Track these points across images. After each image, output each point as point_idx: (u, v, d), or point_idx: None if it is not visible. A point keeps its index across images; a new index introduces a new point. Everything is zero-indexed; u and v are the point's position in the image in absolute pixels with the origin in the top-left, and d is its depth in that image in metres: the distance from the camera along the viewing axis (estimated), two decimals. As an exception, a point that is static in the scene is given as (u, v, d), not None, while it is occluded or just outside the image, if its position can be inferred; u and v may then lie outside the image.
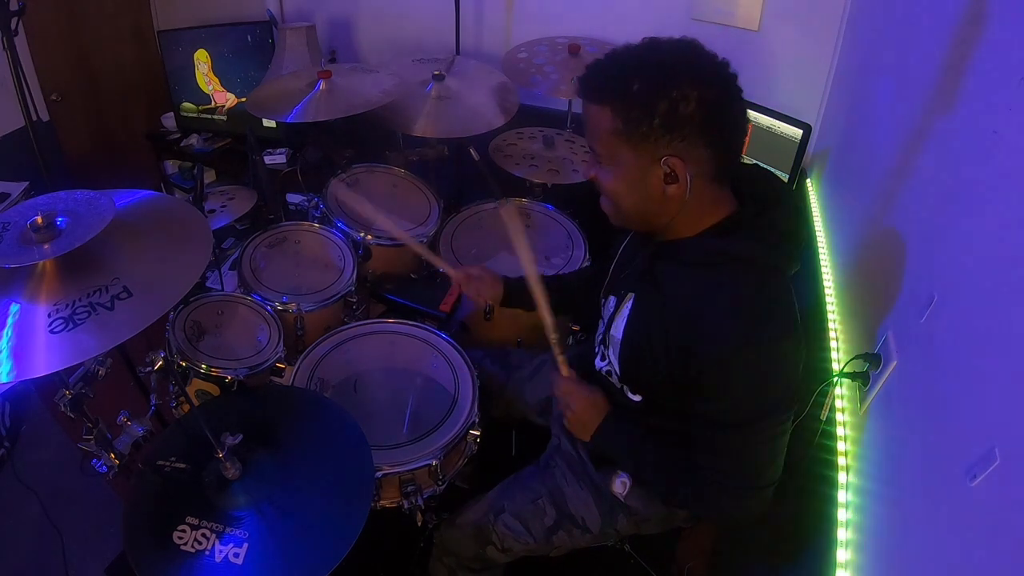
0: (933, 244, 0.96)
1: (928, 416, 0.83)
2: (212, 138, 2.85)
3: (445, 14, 2.35)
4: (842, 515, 0.97)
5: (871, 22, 1.66)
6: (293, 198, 2.29)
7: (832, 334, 1.27)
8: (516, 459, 1.59)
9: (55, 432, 1.95)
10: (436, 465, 1.30)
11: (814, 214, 1.72)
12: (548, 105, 2.37)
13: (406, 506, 1.29)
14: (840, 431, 1.07)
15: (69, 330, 0.89)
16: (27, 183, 2.09)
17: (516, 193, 2.02)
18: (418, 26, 2.59)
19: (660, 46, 0.90)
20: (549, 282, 1.39)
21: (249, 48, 2.65)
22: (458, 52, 2.39)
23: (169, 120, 2.90)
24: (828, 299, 1.36)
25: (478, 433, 1.38)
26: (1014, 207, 0.74)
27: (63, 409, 1.15)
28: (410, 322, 1.58)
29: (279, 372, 1.51)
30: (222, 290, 1.88)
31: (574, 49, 2.12)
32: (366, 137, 2.20)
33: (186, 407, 1.44)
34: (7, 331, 0.90)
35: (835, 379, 1.10)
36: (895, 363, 0.95)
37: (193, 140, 2.84)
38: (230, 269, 2.04)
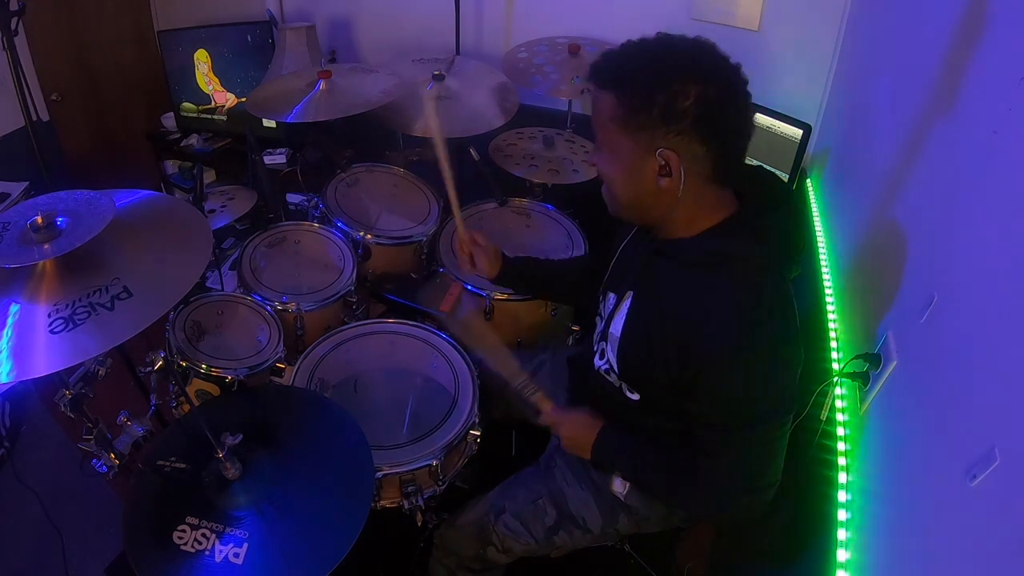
0: (933, 244, 0.96)
1: (928, 416, 0.83)
2: (212, 138, 2.85)
3: (445, 14, 2.35)
4: (842, 515, 0.97)
5: (871, 22, 1.66)
6: (293, 198, 2.29)
7: (832, 334, 1.27)
8: (516, 459, 1.59)
9: (55, 432, 1.95)
10: (436, 465, 1.30)
11: (814, 214, 1.72)
12: (548, 105, 2.37)
13: (406, 506, 1.29)
14: (840, 431, 1.07)
15: (69, 330, 0.89)
16: (27, 183, 2.09)
17: (516, 193, 2.02)
18: (418, 26, 2.59)
19: (672, 41, 0.91)
20: (541, 266, 1.40)
21: (249, 48, 2.65)
22: (458, 52, 2.39)
23: (169, 120, 2.90)
24: (828, 299, 1.36)
25: (478, 433, 1.38)
26: (1014, 207, 0.74)
27: (63, 409, 1.15)
28: (410, 322, 1.58)
29: (279, 372, 1.51)
30: (222, 290, 1.88)
31: (574, 49, 2.12)
32: (366, 137, 2.20)
33: (186, 407, 1.44)
34: (7, 331, 0.89)
35: (835, 379, 1.10)
36: (895, 363, 0.95)
37: (193, 140, 2.84)
38: (230, 269, 2.04)
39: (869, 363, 1.02)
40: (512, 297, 1.69)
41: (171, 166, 3.06)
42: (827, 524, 0.99)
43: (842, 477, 1.01)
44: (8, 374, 0.86)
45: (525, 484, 1.30)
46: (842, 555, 0.92)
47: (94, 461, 1.18)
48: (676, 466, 1.06)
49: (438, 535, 1.37)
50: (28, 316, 0.91)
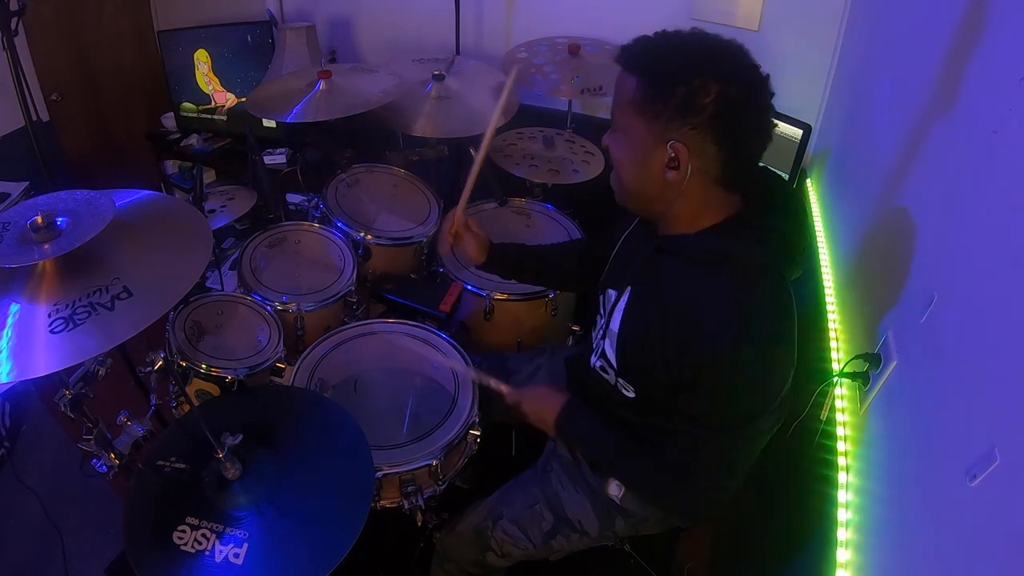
0: (933, 244, 0.96)
1: (928, 416, 0.83)
2: (212, 138, 2.85)
3: (445, 14, 2.35)
4: (842, 515, 0.97)
5: (871, 23, 1.66)
6: (293, 198, 2.29)
7: (832, 334, 1.27)
8: (516, 459, 1.59)
9: (55, 432, 1.95)
10: (436, 465, 1.30)
11: (814, 214, 1.72)
12: (548, 105, 2.37)
13: (406, 506, 1.29)
14: (840, 431, 1.07)
15: (69, 330, 0.89)
16: (27, 183, 2.09)
17: (516, 193, 2.02)
18: (418, 26, 2.59)
19: (706, 38, 0.91)
20: (531, 252, 1.39)
21: (249, 48, 2.65)
22: (458, 52, 2.39)
23: (169, 120, 2.90)
24: (828, 299, 1.36)
25: (478, 433, 1.38)
26: (1014, 207, 0.74)
27: (63, 409, 1.15)
28: (410, 322, 1.58)
29: (279, 372, 1.51)
30: (222, 290, 1.88)
31: (574, 49, 2.12)
32: (366, 137, 2.20)
33: (186, 407, 1.44)
34: (7, 331, 0.89)
35: (835, 379, 1.10)
36: (895, 363, 0.95)
37: (193, 140, 2.84)
38: (230, 269, 2.04)
39: (869, 363, 1.02)
40: (512, 297, 1.69)
41: (171, 166, 3.05)
42: (827, 524, 0.99)
43: (842, 477, 1.01)
44: (8, 374, 0.86)
45: (522, 489, 1.30)
46: (842, 555, 0.92)
47: (94, 461, 1.18)
48: (639, 451, 1.07)
49: (438, 541, 1.37)
50: (28, 316, 0.91)
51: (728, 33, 0.91)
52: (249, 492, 1.06)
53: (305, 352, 1.48)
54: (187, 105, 2.80)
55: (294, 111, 1.75)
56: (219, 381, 1.44)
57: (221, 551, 0.99)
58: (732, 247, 0.93)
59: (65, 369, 0.92)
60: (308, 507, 1.06)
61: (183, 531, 1.02)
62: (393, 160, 2.07)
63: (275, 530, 1.03)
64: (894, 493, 0.87)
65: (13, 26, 1.46)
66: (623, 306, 1.06)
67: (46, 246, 0.92)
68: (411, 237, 1.89)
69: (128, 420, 1.21)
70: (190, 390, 1.45)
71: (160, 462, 1.11)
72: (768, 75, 0.89)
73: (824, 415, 1.10)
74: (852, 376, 1.05)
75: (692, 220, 0.97)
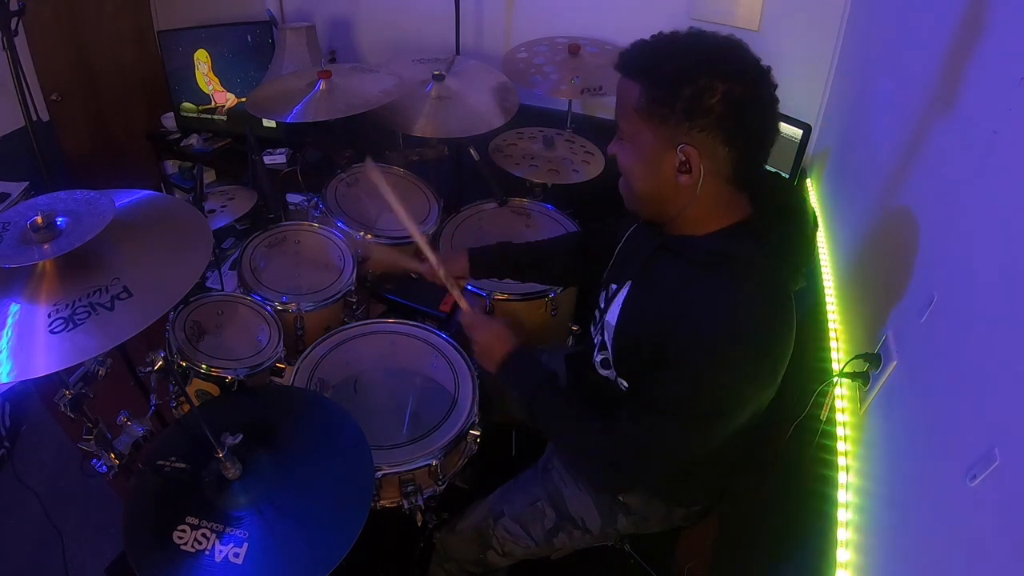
0: (933, 244, 0.96)
1: (928, 416, 0.83)
2: (212, 138, 2.85)
3: (445, 14, 2.35)
4: (842, 515, 0.96)
5: (871, 22, 1.66)
6: (293, 198, 2.29)
7: (832, 334, 1.27)
8: (516, 459, 1.60)
9: (55, 432, 1.95)
10: (436, 465, 1.30)
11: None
12: (548, 105, 2.37)
13: (406, 506, 1.29)
14: (840, 431, 1.07)
15: (69, 330, 0.89)
16: (27, 183, 2.09)
17: (516, 193, 2.02)
18: (418, 26, 2.59)
19: (704, 37, 0.90)
20: (520, 250, 1.40)
21: (249, 48, 2.65)
22: (458, 52, 2.39)
23: (169, 120, 2.90)
24: (828, 299, 1.36)
25: (478, 433, 1.37)
26: (1014, 207, 0.74)
27: (63, 409, 1.15)
28: (410, 322, 1.58)
29: (279, 372, 1.51)
30: (222, 290, 1.88)
31: (574, 49, 2.12)
32: (366, 137, 2.20)
33: (186, 407, 1.44)
34: (7, 331, 0.89)
35: (835, 379, 1.10)
36: (895, 363, 0.95)
37: (193, 140, 2.84)
38: (230, 269, 2.04)
39: (869, 363, 1.02)
40: (512, 297, 1.69)
41: (171, 166, 3.06)
42: (827, 524, 0.99)
43: (842, 477, 1.01)
44: (8, 374, 0.86)
45: (523, 487, 1.30)
46: (842, 555, 0.92)
47: (94, 461, 1.18)
48: (572, 412, 1.08)
49: (438, 540, 1.37)
50: (28, 316, 0.91)
51: (728, 33, 0.91)
52: (249, 492, 1.06)
53: (305, 352, 1.48)
54: (187, 105, 2.80)
55: (294, 111, 1.75)
56: (219, 381, 1.44)
57: (221, 551, 0.99)
58: (737, 252, 0.92)
59: (65, 369, 0.92)
60: (308, 507, 1.06)
61: (183, 531, 1.02)
62: (393, 160, 2.07)
63: (275, 530, 1.03)
64: (894, 493, 0.87)
65: (13, 26, 1.45)
66: (621, 299, 1.06)
67: (46, 246, 0.92)
68: (411, 237, 1.88)
69: (128, 420, 1.21)
70: (190, 390, 1.45)
71: (160, 462, 1.11)
72: (770, 68, 0.89)
73: (824, 415, 1.10)
74: (852, 376, 1.05)
75: (702, 222, 0.96)
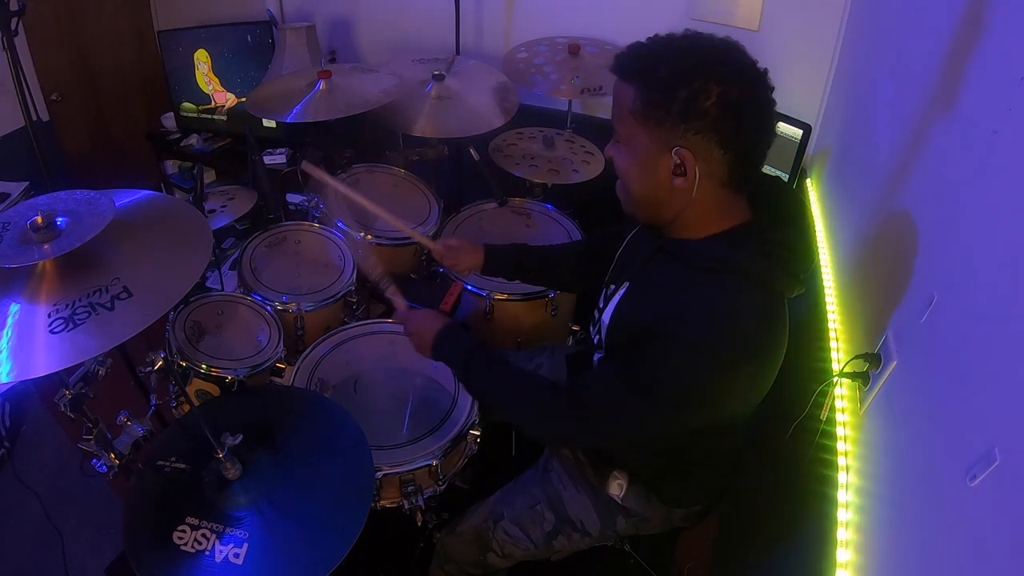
0: (933, 244, 0.96)
1: (928, 416, 0.83)
2: (212, 138, 2.85)
3: (445, 14, 2.35)
4: (842, 515, 0.96)
5: (871, 22, 1.66)
6: (293, 198, 2.29)
7: (832, 334, 1.27)
8: (516, 459, 1.59)
9: (55, 432, 1.95)
10: (436, 465, 1.30)
11: (814, 214, 1.72)
12: (548, 105, 2.37)
13: (406, 506, 1.29)
14: (840, 431, 1.07)
15: (69, 330, 0.89)
16: (27, 183, 2.09)
17: (516, 193, 2.03)
18: (418, 26, 2.59)
19: (700, 39, 0.90)
20: (532, 252, 1.40)
21: (249, 48, 2.65)
22: (458, 52, 2.39)
23: (169, 120, 2.90)
24: (828, 299, 1.36)
25: (478, 433, 1.38)
26: (1014, 207, 0.74)
27: (63, 409, 1.15)
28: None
29: (279, 372, 1.51)
30: (222, 290, 1.88)
31: (574, 49, 2.12)
32: (366, 137, 2.20)
33: (186, 407, 1.44)
34: (7, 331, 0.90)
35: (835, 379, 1.10)
36: (895, 363, 0.95)
37: (193, 140, 2.84)
38: (230, 269, 2.04)
39: (869, 363, 1.02)
40: (512, 297, 1.69)
41: (171, 166, 3.06)
42: (827, 524, 0.99)
43: (842, 477, 1.01)
44: (8, 374, 0.86)
45: (523, 489, 1.30)
46: (842, 555, 0.92)
47: (94, 461, 1.18)
48: (516, 373, 1.09)
49: (438, 542, 1.37)
50: (28, 316, 0.91)
51: (728, 33, 0.91)
52: (249, 492, 1.07)
53: (305, 352, 1.48)
54: (187, 105, 2.80)
55: (294, 111, 1.75)
56: (219, 381, 1.44)
57: (221, 551, 0.99)
58: (734, 257, 0.92)
59: (65, 369, 0.92)
60: (308, 507, 1.06)
61: (183, 531, 1.02)
62: (393, 160, 2.07)
63: (275, 530, 1.03)
64: (894, 493, 0.87)
65: (13, 26, 1.45)
66: (617, 299, 1.06)
67: (46, 246, 0.92)
68: (411, 237, 1.89)
69: (128, 420, 1.22)
70: (190, 390, 1.45)
71: (160, 462, 1.11)
72: (766, 70, 0.89)
73: (824, 415, 1.10)
74: (852, 376, 1.05)
75: (701, 226, 0.96)
